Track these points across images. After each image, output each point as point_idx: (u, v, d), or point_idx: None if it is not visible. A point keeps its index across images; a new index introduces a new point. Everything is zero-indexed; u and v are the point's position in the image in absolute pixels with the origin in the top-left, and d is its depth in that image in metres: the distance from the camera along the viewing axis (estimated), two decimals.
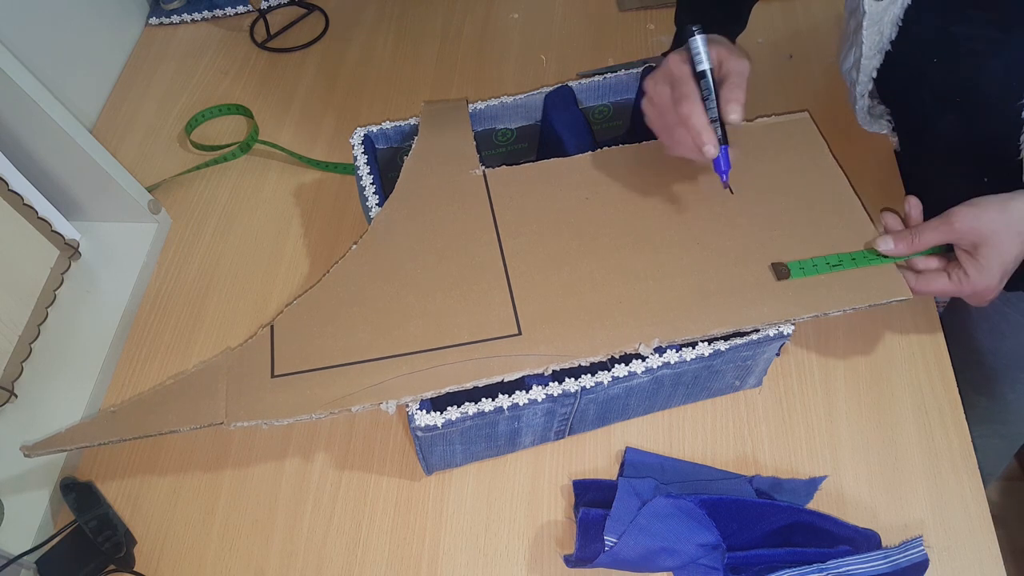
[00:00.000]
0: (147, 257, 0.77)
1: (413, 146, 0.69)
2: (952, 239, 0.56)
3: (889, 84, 0.68)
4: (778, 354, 0.64)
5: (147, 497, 0.64)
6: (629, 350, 0.57)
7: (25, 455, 0.56)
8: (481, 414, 0.55)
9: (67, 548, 0.61)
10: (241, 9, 1.01)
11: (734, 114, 0.58)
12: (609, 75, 0.75)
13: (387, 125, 0.72)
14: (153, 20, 1.01)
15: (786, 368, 0.69)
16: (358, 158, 0.70)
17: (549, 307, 0.59)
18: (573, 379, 0.56)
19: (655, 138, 0.70)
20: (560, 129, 0.72)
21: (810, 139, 0.69)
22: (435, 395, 0.55)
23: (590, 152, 0.69)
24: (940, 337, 0.69)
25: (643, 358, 0.57)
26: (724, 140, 0.59)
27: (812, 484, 0.62)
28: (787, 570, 0.55)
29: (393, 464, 0.65)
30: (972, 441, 0.64)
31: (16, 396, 0.68)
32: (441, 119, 0.71)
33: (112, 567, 0.60)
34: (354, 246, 0.63)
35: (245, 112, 0.91)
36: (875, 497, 0.62)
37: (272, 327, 0.59)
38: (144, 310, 0.75)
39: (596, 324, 0.58)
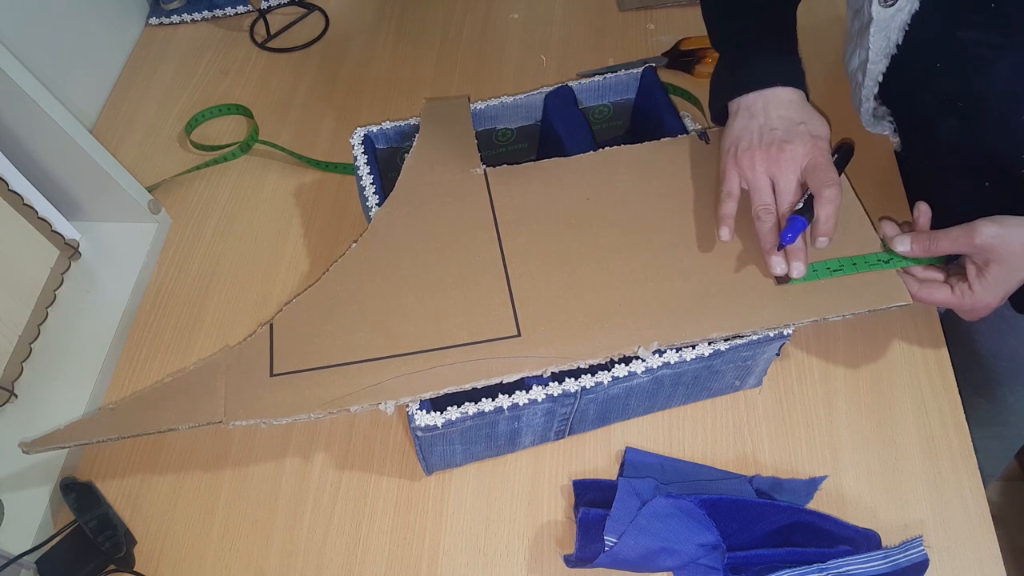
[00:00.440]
0: (147, 257, 0.77)
1: (414, 144, 0.69)
2: (969, 251, 0.56)
3: (893, 87, 0.68)
4: (778, 354, 0.64)
5: (147, 497, 0.64)
6: (628, 353, 0.57)
7: (24, 452, 0.56)
8: (481, 414, 0.55)
9: (67, 548, 0.61)
10: (241, 9, 1.01)
11: (821, 245, 0.59)
12: (609, 75, 0.75)
13: (387, 125, 0.72)
14: (153, 20, 1.01)
15: (786, 368, 0.68)
16: (358, 158, 0.70)
17: (549, 308, 0.59)
18: (573, 379, 0.56)
19: (655, 138, 0.70)
20: (560, 129, 0.72)
21: None
22: (434, 396, 0.55)
23: (590, 152, 0.69)
24: (940, 337, 0.69)
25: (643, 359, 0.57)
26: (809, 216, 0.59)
27: (812, 484, 0.62)
28: (787, 570, 0.55)
29: (393, 464, 0.65)
30: (972, 442, 0.64)
31: (16, 396, 0.68)
32: (442, 116, 0.71)
33: (112, 567, 0.60)
34: (354, 245, 0.63)
35: (245, 112, 0.91)
36: (875, 497, 0.62)
37: (271, 326, 0.59)
38: (144, 310, 0.75)
39: (596, 326, 0.58)
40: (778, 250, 0.59)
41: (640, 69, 0.76)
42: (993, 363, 0.80)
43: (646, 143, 0.69)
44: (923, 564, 0.56)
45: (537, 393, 0.56)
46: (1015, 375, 0.80)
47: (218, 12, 1.01)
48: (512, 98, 0.73)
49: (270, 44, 0.98)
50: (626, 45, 0.95)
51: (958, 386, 0.67)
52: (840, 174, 0.63)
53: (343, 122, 0.89)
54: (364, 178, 0.69)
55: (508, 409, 0.55)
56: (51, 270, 0.74)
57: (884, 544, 0.59)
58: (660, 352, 0.57)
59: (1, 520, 0.62)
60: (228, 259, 0.79)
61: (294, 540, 0.62)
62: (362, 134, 0.72)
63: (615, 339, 0.57)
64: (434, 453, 0.60)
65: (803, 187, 0.61)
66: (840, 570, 0.55)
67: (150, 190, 0.80)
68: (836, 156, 0.63)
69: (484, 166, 0.68)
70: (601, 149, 0.69)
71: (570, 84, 0.75)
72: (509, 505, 0.62)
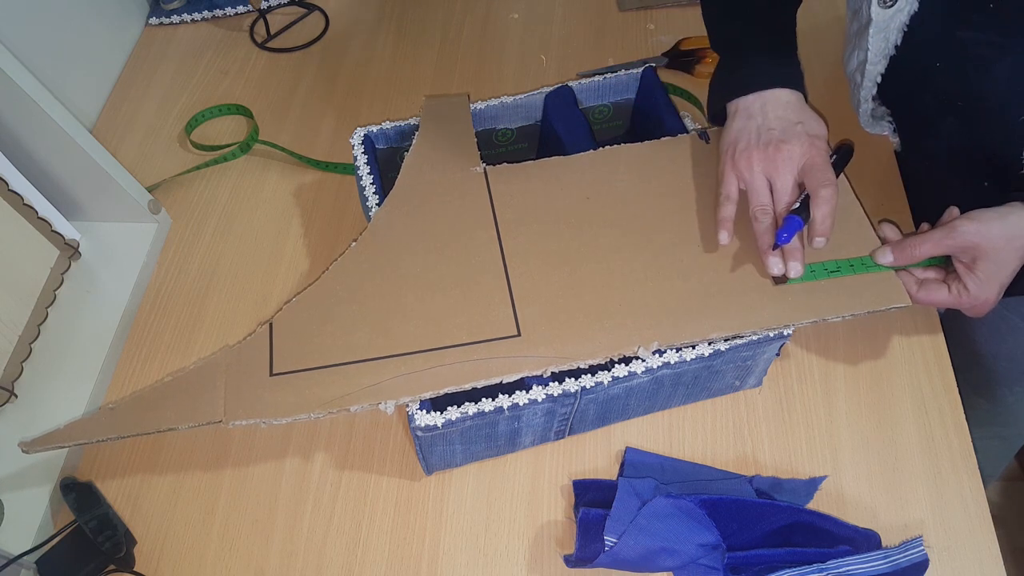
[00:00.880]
0: (147, 257, 0.77)
1: (414, 142, 0.69)
2: (952, 252, 0.57)
3: (892, 87, 0.68)
4: (778, 354, 0.64)
5: (147, 497, 0.64)
6: (628, 353, 0.57)
7: (24, 451, 0.56)
8: (481, 414, 0.55)
9: (67, 548, 0.61)
10: (241, 9, 1.01)
11: (819, 246, 0.59)
12: (609, 75, 0.75)
13: (387, 125, 0.72)
14: (153, 20, 1.01)
15: (786, 368, 0.68)
16: (358, 158, 0.70)
17: (549, 308, 0.59)
18: (573, 379, 0.56)
19: (655, 138, 0.70)
20: (560, 129, 0.72)
21: None
22: (434, 396, 0.55)
23: (590, 152, 0.69)
24: (940, 337, 0.69)
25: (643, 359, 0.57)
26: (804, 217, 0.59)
27: (812, 484, 0.62)
28: (787, 570, 0.55)
29: (393, 464, 0.65)
30: (972, 442, 0.64)
31: (16, 396, 0.68)
32: (442, 115, 0.71)
33: (112, 567, 0.60)
34: (353, 244, 0.63)
35: (245, 112, 0.91)
36: (875, 497, 0.62)
37: (271, 325, 0.59)
38: (144, 310, 0.75)
39: (596, 325, 0.58)
40: (774, 249, 0.59)
41: (640, 69, 0.76)
42: (993, 363, 0.80)
43: (646, 143, 0.69)
44: (923, 564, 0.56)
45: (537, 393, 0.56)
46: (1015, 375, 0.80)
47: (218, 12, 1.01)
48: (512, 98, 0.73)
49: (270, 44, 0.98)
50: (626, 45, 0.95)
51: (958, 386, 0.67)
52: (839, 175, 0.63)
53: (343, 122, 0.89)
54: (364, 178, 0.69)
55: (508, 409, 0.55)
56: (51, 270, 0.74)
57: (884, 544, 0.59)
58: (660, 352, 0.57)
59: (1, 520, 0.62)
60: (228, 259, 0.79)
61: (294, 540, 0.62)
62: (362, 134, 0.72)
63: (615, 339, 0.57)
64: (434, 453, 0.60)
65: (800, 187, 0.61)
66: (840, 570, 0.55)
67: (150, 190, 0.80)
68: (835, 157, 0.63)
69: (484, 165, 0.68)
70: (601, 149, 0.69)
71: (570, 84, 0.74)
72: (509, 505, 0.62)
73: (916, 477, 0.62)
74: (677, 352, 0.57)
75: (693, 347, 0.57)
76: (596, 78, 0.75)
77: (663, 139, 0.69)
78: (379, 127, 0.72)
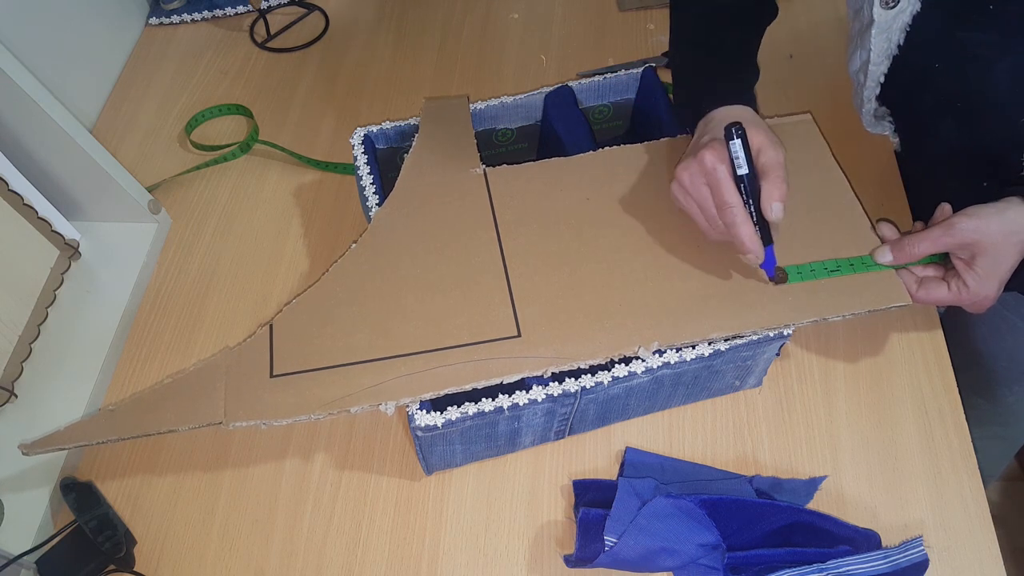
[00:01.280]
0: (147, 257, 0.77)
1: (414, 144, 0.69)
2: (951, 249, 0.57)
3: (893, 87, 0.68)
4: (778, 354, 0.64)
5: (147, 497, 0.64)
6: (628, 353, 0.57)
7: (24, 453, 0.56)
8: (481, 414, 0.55)
9: (67, 548, 0.61)
10: (241, 9, 1.01)
11: (777, 213, 0.56)
12: (609, 75, 0.75)
13: (387, 125, 0.72)
14: (153, 20, 1.01)
15: (786, 368, 0.68)
16: (358, 158, 0.70)
17: (549, 308, 0.59)
18: (573, 379, 0.56)
19: (655, 138, 0.70)
20: (560, 129, 0.72)
21: (812, 141, 0.69)
22: (434, 396, 0.55)
23: (590, 152, 0.69)
24: (940, 337, 0.69)
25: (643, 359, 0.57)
26: (768, 239, 0.58)
27: (812, 484, 0.62)
28: (787, 570, 0.55)
29: (393, 464, 0.65)
30: (972, 442, 0.64)
31: (16, 396, 0.68)
32: (442, 116, 0.71)
33: (112, 567, 0.60)
34: (354, 245, 0.63)
35: (245, 112, 0.91)
36: (875, 497, 0.62)
37: (271, 326, 0.59)
38: (144, 310, 0.75)
39: (596, 326, 0.58)
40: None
41: (640, 69, 0.76)
42: (993, 363, 0.80)
43: (646, 143, 0.69)
44: (923, 564, 0.56)
45: (537, 393, 0.56)
46: (1015, 375, 0.80)
47: (218, 12, 1.01)
48: (512, 98, 0.73)
49: (270, 44, 0.98)
50: (626, 45, 0.95)
51: (958, 386, 0.67)
52: (742, 147, 0.58)
53: (343, 122, 0.89)
54: (364, 178, 0.69)
55: (508, 409, 0.55)
56: (51, 270, 0.74)
57: (884, 544, 0.59)
58: (660, 352, 0.57)
59: (1, 520, 0.62)
60: (228, 259, 0.79)
61: (294, 540, 0.62)
62: (362, 134, 0.72)
63: (615, 339, 0.57)
64: (434, 453, 0.60)
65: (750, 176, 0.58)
66: (840, 570, 0.55)
67: (150, 190, 0.80)
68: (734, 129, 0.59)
69: (484, 166, 0.68)
70: (601, 149, 0.69)
71: (570, 84, 0.74)
72: (509, 505, 0.62)
73: (916, 477, 0.62)
74: (677, 352, 0.57)
75: (693, 347, 0.57)
76: (596, 78, 0.75)
77: (663, 139, 0.69)
78: (379, 127, 0.72)
